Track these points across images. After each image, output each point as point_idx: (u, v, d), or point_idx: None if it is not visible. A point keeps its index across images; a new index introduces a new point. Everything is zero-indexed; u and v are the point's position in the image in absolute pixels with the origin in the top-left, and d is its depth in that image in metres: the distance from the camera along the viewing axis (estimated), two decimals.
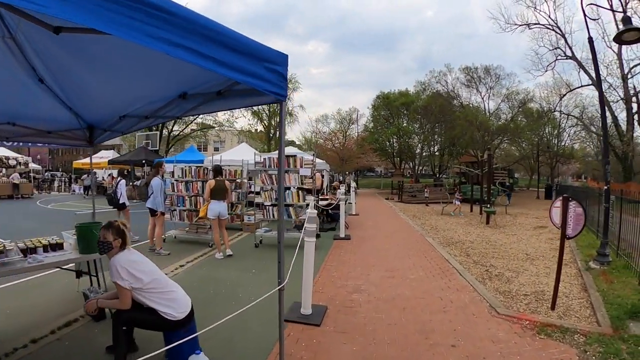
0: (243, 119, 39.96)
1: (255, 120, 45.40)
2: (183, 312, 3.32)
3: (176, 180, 10.05)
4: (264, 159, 8.72)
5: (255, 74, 2.35)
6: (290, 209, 8.55)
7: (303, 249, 4.82)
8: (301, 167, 8.32)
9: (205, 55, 1.98)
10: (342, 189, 10.24)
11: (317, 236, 9.99)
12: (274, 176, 8.60)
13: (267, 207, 8.72)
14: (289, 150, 16.99)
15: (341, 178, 37.16)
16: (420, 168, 42.08)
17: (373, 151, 40.48)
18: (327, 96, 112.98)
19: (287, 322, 4.51)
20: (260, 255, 8.27)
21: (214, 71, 2.08)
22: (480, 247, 9.59)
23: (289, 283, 3.37)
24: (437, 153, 41.23)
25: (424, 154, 39.84)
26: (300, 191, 8.40)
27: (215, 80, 3.00)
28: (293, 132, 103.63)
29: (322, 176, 17.86)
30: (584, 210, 4.92)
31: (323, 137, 44.73)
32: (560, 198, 4.98)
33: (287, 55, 2.61)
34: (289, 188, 8.45)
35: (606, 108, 26.89)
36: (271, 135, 44.85)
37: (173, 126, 35.58)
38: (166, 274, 3.61)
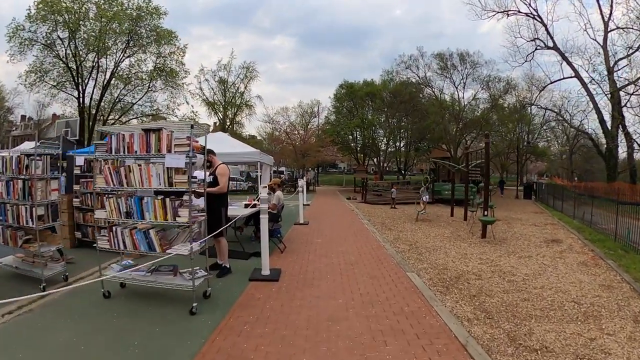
0: (185, 106, 35.53)
1: (209, 111, 41.51)
2: None
3: None
4: (110, 137, 4.52)
5: None
6: (152, 232, 4.38)
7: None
8: (168, 151, 4.17)
9: None
10: (264, 190, 5.91)
11: (222, 272, 5.96)
12: (123, 170, 4.40)
13: (115, 228, 4.54)
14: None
15: (298, 174, 33.41)
16: (386, 164, 38.66)
17: (334, 144, 36.87)
18: (291, 92, 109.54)
19: None
20: (101, 319, 4.17)
21: None
22: (495, 287, 5.82)
23: None
24: (403, 148, 38.03)
25: (389, 149, 36.37)
26: (168, 200, 4.22)
27: None
28: (252, 125, 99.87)
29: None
30: None
31: (281, 129, 40.64)
32: None
33: None
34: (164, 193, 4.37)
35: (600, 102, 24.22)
36: (227, 126, 40.78)
37: (108, 116, 30.84)
38: None
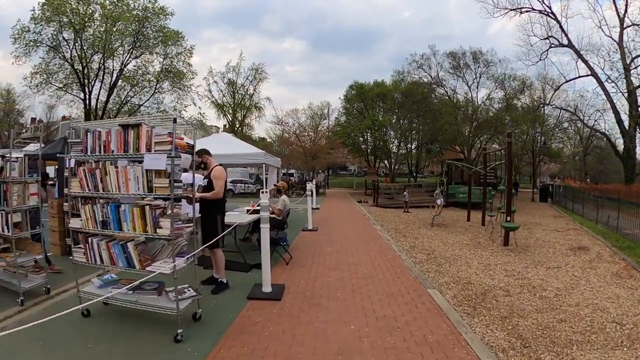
0: (193, 107, 35.10)
1: (218, 113, 41.30)
2: None
3: None
4: (86, 133, 3.91)
5: None
6: (130, 246, 3.77)
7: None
8: (148, 151, 3.60)
9: None
10: (265, 194, 5.15)
11: (218, 287, 5.35)
12: (99, 173, 3.79)
13: (91, 239, 3.94)
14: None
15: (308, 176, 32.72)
16: (397, 167, 37.89)
17: (344, 146, 36.24)
18: (302, 94, 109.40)
19: None
20: (75, 345, 3.57)
21: None
22: (527, 304, 5.13)
23: None
24: (414, 150, 37.28)
25: (400, 151, 35.60)
26: (148, 208, 3.59)
27: None
28: (262, 127, 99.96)
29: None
30: None
31: (290, 131, 40.02)
32: None
33: None
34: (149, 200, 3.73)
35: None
36: (236, 128, 40.49)
37: (115, 117, 30.50)
38: None
